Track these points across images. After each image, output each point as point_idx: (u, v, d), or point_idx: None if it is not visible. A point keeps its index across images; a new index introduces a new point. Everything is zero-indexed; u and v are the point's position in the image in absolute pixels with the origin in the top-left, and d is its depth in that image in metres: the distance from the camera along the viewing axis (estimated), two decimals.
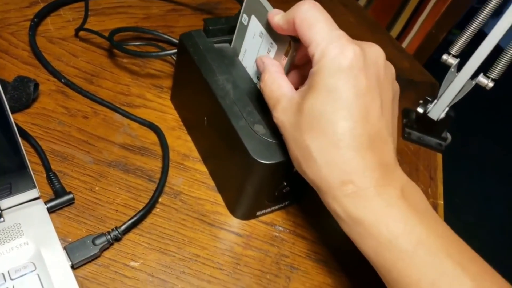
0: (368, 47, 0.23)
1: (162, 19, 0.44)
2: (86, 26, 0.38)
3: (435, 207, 0.36)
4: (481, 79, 0.32)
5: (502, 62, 0.31)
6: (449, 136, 0.41)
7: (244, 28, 0.30)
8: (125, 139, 0.33)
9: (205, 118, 0.31)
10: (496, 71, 0.31)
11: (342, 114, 0.21)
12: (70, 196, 0.28)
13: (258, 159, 0.26)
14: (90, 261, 0.26)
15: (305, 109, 0.22)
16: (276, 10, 0.25)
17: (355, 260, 0.30)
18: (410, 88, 0.46)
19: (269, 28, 0.27)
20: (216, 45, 0.32)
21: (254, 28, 0.29)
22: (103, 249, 0.27)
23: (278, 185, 0.29)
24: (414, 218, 0.21)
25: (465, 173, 1.27)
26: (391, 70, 0.24)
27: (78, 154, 0.31)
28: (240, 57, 0.31)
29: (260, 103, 0.29)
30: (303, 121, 0.22)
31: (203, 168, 0.33)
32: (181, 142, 0.34)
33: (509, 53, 0.30)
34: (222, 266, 0.28)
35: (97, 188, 0.30)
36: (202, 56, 0.30)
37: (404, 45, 0.76)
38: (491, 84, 0.32)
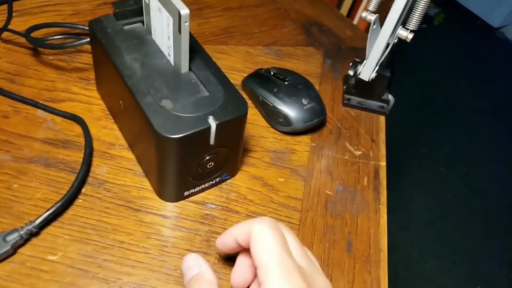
0: (318, 278, 0.22)
1: (92, 14, 0.43)
2: (11, 27, 0.38)
3: (377, 168, 0.35)
4: (401, 31, 0.31)
5: (417, 12, 0.30)
6: (391, 98, 0.40)
7: (148, 6, 0.29)
8: (47, 134, 0.32)
9: (120, 102, 0.30)
10: (413, 22, 0.31)
11: None
12: None
13: (164, 134, 0.25)
14: (3, 260, 0.25)
15: None
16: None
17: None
18: (352, 56, 0.45)
19: (163, 2, 0.26)
20: (127, 27, 0.31)
21: (154, 5, 0.28)
22: (17, 246, 0.26)
23: (198, 160, 0.28)
24: None
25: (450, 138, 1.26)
26: None
27: None
28: (153, 36, 0.30)
29: (170, 78, 0.28)
30: None
31: (129, 155, 0.32)
32: (107, 131, 0.33)
33: (423, 2, 0.29)
34: (148, 250, 0.27)
35: (15, 186, 0.29)
36: (110, 39, 0.29)
37: (355, 21, 0.76)
38: (410, 36, 0.31)
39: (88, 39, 0.33)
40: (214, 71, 0.29)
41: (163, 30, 0.28)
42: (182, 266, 0.24)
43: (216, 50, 0.42)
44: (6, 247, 0.25)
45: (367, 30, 0.62)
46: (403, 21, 0.32)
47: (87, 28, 0.38)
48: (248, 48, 0.44)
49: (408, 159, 1.19)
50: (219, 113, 0.26)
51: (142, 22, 0.31)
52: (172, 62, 0.29)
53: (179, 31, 0.26)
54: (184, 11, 0.25)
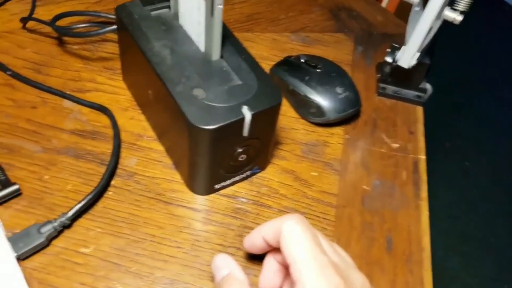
0: (354, 275, 0.21)
1: (114, 2, 0.42)
2: (34, 16, 0.37)
3: (416, 162, 0.33)
4: (447, 13, 0.29)
5: None
6: (429, 87, 0.38)
7: None
8: (75, 124, 0.32)
9: (149, 92, 0.29)
10: (463, 2, 0.28)
11: None
12: (15, 187, 0.27)
13: (198, 125, 0.24)
14: (38, 251, 0.25)
15: None
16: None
17: (320, 227, 0.28)
18: (385, 42, 0.43)
19: None
20: (153, 12, 0.30)
21: None
22: (51, 238, 0.25)
23: (230, 153, 0.27)
24: None
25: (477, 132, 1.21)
26: None
27: (26, 144, 0.30)
28: (180, 21, 0.29)
29: (200, 66, 0.27)
30: None
31: (158, 146, 0.31)
32: (135, 122, 0.32)
33: None
34: (180, 244, 0.27)
35: (46, 177, 0.28)
36: (137, 25, 0.28)
37: (384, 4, 0.72)
38: (459, 18, 0.29)
39: (114, 27, 0.32)
40: (245, 57, 0.28)
41: (193, 15, 0.27)
42: (212, 266, 0.24)
43: (241, 38, 0.40)
44: (41, 239, 0.24)
45: (397, 14, 0.59)
46: (449, 1, 0.29)
47: (111, 16, 0.37)
48: (274, 35, 0.42)
49: (431, 153, 1.15)
50: (253, 103, 0.25)
51: (169, 7, 0.30)
52: (202, 48, 0.28)
53: (212, 14, 0.25)
54: None
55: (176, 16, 0.29)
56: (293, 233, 0.21)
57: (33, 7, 0.37)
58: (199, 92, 0.25)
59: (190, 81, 0.26)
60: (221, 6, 0.24)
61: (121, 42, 0.32)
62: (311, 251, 0.20)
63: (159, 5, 0.30)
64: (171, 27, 0.29)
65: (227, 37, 0.28)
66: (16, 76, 0.34)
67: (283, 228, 0.21)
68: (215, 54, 0.27)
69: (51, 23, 0.34)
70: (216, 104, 0.25)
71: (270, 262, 0.23)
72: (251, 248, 0.24)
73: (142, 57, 0.27)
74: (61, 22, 0.36)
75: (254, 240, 0.23)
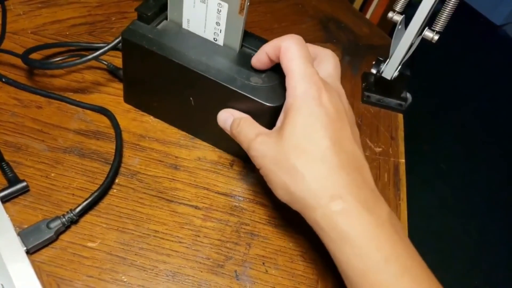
0: (332, 83, 0.26)
1: (116, 6, 0.44)
2: (38, 18, 0.38)
3: (396, 165, 0.37)
4: (426, 33, 0.32)
5: (445, 14, 0.31)
6: (409, 96, 0.41)
7: (177, 1, 0.29)
8: (80, 125, 0.33)
9: (191, 99, 0.31)
10: (439, 24, 0.31)
11: (321, 134, 0.23)
12: (24, 184, 0.28)
13: (274, 104, 0.27)
14: (46, 245, 0.26)
15: (286, 131, 0.24)
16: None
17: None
18: (370, 53, 0.46)
19: None
20: (158, 27, 0.31)
21: None
22: (59, 233, 0.27)
23: None
24: (400, 244, 0.23)
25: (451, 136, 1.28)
26: (352, 115, 0.27)
27: (33, 143, 0.31)
28: (186, 26, 0.31)
29: (235, 59, 0.30)
30: (285, 144, 0.24)
31: (160, 147, 0.33)
32: (136, 124, 0.34)
33: (450, 4, 0.30)
34: (181, 240, 0.29)
35: (52, 175, 0.30)
36: (160, 44, 0.29)
37: (368, 15, 0.76)
38: (436, 37, 0.32)
39: (92, 55, 0.31)
40: (258, 38, 0.31)
41: (207, 18, 0.29)
42: (220, 124, 0.29)
43: None
44: (50, 234, 0.26)
45: (380, 25, 0.63)
46: (428, 22, 0.33)
47: (82, 44, 0.38)
48: None
49: (409, 155, 1.21)
50: None
51: (165, 18, 0.31)
52: (221, 43, 0.30)
53: (240, 12, 0.27)
54: None
55: (176, 23, 0.31)
56: (289, 50, 0.25)
57: (4, 30, 0.34)
58: (255, 80, 0.28)
59: (241, 74, 0.28)
60: (248, 3, 0.27)
61: (134, 65, 0.32)
62: (303, 65, 0.25)
63: (159, 19, 0.31)
64: (183, 35, 0.31)
65: None
66: (11, 83, 0.34)
67: (282, 45, 0.25)
68: (239, 45, 0.30)
69: (24, 58, 0.32)
70: (273, 83, 0.28)
71: (264, 53, 0.27)
72: (258, 64, 0.28)
73: (182, 70, 0.28)
74: (58, 26, 0.37)
75: (260, 57, 0.28)
